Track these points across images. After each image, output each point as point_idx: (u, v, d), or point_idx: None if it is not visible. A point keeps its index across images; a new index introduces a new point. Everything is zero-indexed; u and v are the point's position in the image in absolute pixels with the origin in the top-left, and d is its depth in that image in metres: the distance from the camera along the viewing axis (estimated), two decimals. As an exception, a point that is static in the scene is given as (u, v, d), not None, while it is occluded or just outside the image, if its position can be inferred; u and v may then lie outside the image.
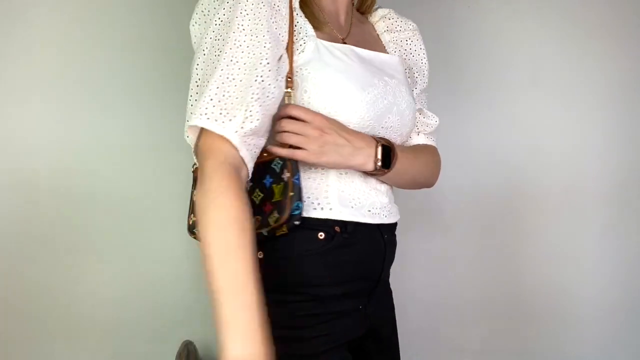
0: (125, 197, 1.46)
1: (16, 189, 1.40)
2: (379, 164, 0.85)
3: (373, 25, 1.05)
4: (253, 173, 0.78)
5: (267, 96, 0.75)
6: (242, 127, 0.72)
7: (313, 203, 0.82)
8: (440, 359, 1.56)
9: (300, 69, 0.81)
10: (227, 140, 0.72)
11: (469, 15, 1.52)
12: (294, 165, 0.79)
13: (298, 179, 0.78)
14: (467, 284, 1.55)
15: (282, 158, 0.79)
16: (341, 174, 0.85)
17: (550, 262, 1.51)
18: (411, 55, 1.05)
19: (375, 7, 1.07)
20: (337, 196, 0.83)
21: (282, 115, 0.79)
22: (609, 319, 1.49)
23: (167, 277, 1.51)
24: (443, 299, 1.56)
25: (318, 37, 0.84)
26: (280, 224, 0.77)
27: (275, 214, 0.77)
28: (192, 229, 0.83)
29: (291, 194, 0.77)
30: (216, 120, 0.72)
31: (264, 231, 0.78)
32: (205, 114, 0.72)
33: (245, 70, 0.74)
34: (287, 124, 0.79)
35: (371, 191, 0.88)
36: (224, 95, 0.72)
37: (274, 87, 0.76)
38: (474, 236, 1.54)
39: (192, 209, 0.83)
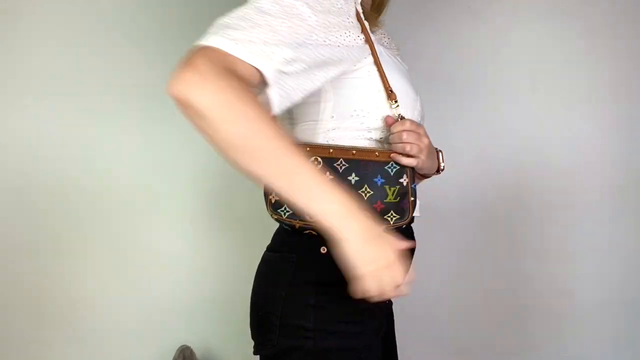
0: (124, 198, 1.46)
1: (15, 189, 1.40)
2: (442, 167, 0.98)
3: None
4: (359, 168, 0.83)
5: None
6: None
7: None
8: (440, 358, 1.56)
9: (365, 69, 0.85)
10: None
11: (469, 15, 1.53)
12: (412, 173, 0.85)
13: (415, 186, 0.84)
14: (467, 283, 1.55)
15: (398, 164, 0.84)
16: None
17: (551, 261, 1.52)
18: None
19: None
20: None
21: (400, 129, 0.83)
22: (609, 317, 1.49)
23: (165, 280, 1.50)
24: (443, 298, 1.57)
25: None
26: (399, 225, 0.82)
27: (394, 215, 0.82)
28: (276, 208, 0.82)
29: (412, 199, 0.83)
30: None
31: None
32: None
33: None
34: (408, 136, 0.83)
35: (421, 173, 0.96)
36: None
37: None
38: (473, 236, 1.55)
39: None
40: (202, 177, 1.50)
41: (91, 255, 1.43)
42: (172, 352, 1.46)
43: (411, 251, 0.96)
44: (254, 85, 0.72)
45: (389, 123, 0.84)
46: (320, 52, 0.75)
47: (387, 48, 0.95)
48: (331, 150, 0.83)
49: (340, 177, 0.82)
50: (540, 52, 1.51)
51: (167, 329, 1.49)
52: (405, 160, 0.83)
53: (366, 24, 0.86)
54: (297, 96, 0.76)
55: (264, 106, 0.69)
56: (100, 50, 1.42)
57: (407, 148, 0.83)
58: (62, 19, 1.40)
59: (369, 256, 0.69)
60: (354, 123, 0.84)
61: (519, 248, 1.53)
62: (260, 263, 0.91)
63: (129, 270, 1.46)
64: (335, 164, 0.83)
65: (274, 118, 0.69)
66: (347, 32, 0.79)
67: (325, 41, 0.76)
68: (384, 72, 0.84)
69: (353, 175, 0.83)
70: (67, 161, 1.41)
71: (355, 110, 0.84)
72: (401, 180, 0.83)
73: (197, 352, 1.48)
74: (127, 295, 1.46)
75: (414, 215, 0.95)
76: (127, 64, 1.44)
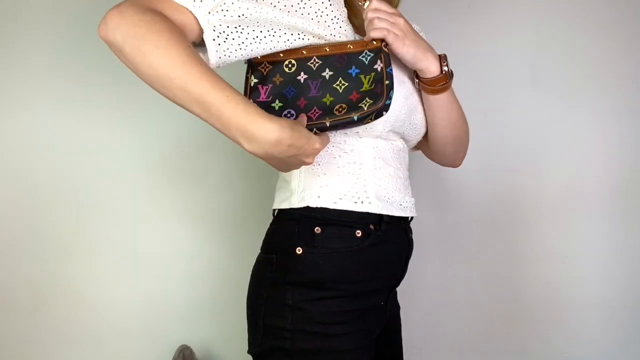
0: (124, 199, 1.46)
1: (15, 189, 1.40)
2: (445, 68, 0.88)
3: None
4: (333, 63, 0.82)
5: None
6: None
7: (353, 197, 0.85)
8: (440, 358, 1.55)
9: None
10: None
11: (469, 15, 1.53)
12: (387, 58, 0.82)
13: (391, 70, 0.81)
14: (467, 284, 1.55)
15: (372, 50, 0.82)
16: (376, 169, 0.88)
17: (550, 262, 1.51)
18: None
19: None
20: (374, 190, 0.86)
21: (367, 11, 0.83)
22: (609, 319, 1.48)
23: (165, 280, 1.50)
24: (443, 299, 1.56)
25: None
26: (373, 110, 0.79)
27: (368, 100, 0.80)
28: None
29: (387, 82, 0.80)
30: None
31: (355, 116, 0.79)
32: None
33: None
34: (374, 13, 0.83)
35: (401, 187, 0.91)
36: None
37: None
38: (473, 236, 1.54)
39: None
40: (202, 177, 1.50)
41: (91, 256, 1.44)
42: (172, 352, 1.46)
43: (408, 251, 0.96)
44: (193, 34, 0.74)
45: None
46: (266, 10, 0.77)
47: None
48: (304, 51, 0.83)
49: (314, 74, 0.82)
50: (540, 50, 1.50)
51: (167, 328, 1.49)
52: (374, 32, 0.82)
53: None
54: (240, 50, 0.77)
55: (180, 35, 0.69)
56: (101, 50, 1.41)
57: (375, 22, 0.82)
58: (63, 19, 1.40)
59: (274, 160, 0.72)
60: None
61: (518, 248, 1.52)
62: (254, 263, 0.92)
63: (128, 271, 1.46)
64: (309, 63, 0.83)
65: (189, 46, 0.69)
66: (324, 9, 0.81)
67: (277, 4, 0.78)
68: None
69: (327, 70, 0.82)
70: (66, 162, 1.42)
71: None
72: (375, 66, 0.81)
73: (197, 352, 1.48)
74: (127, 295, 1.46)
75: (413, 215, 0.95)
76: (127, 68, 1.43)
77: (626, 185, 1.47)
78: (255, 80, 0.84)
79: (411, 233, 0.96)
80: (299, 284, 0.82)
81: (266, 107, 0.82)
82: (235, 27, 0.76)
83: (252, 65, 0.85)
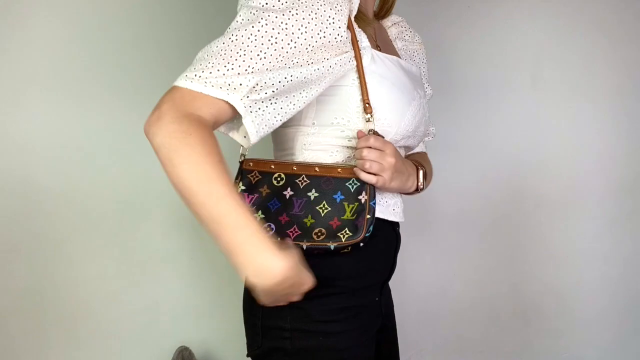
0: (123, 199, 1.46)
1: (14, 189, 1.40)
2: (421, 186, 0.94)
3: (386, 30, 1.08)
4: (320, 184, 0.83)
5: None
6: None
7: None
8: (440, 358, 1.55)
9: (355, 79, 0.83)
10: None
11: (469, 15, 1.53)
12: (372, 191, 0.83)
13: (374, 204, 0.83)
14: (468, 283, 1.55)
15: (359, 180, 0.83)
16: None
17: (551, 262, 1.51)
18: (419, 67, 1.09)
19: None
20: None
21: (363, 145, 0.82)
22: (609, 318, 1.49)
23: (164, 281, 1.50)
24: (443, 298, 1.56)
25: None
26: (351, 244, 0.80)
27: (347, 232, 0.81)
28: None
29: (368, 216, 0.81)
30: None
31: (332, 245, 0.80)
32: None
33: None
34: (369, 153, 0.82)
35: (394, 192, 0.93)
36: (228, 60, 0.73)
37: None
38: (474, 236, 1.54)
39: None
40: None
41: (90, 256, 1.43)
42: (171, 354, 1.46)
43: (396, 244, 0.97)
44: (227, 117, 0.75)
45: (359, 137, 0.84)
46: (296, 74, 0.75)
47: (386, 49, 0.94)
48: (294, 168, 0.84)
49: (300, 192, 0.83)
50: (541, 51, 1.50)
51: (166, 330, 1.49)
52: (365, 176, 0.82)
53: (358, 31, 0.84)
54: (277, 121, 0.77)
55: (212, 149, 0.70)
56: (99, 50, 1.42)
57: (367, 165, 0.82)
58: (61, 19, 1.40)
59: (267, 296, 0.72)
60: (333, 131, 0.85)
61: (518, 248, 1.52)
62: None
63: (127, 271, 1.46)
64: (297, 180, 0.84)
65: (218, 161, 0.69)
66: (336, 44, 0.78)
67: (304, 61, 0.76)
68: (366, 85, 0.83)
69: (313, 191, 0.83)
70: (65, 163, 1.41)
71: (336, 119, 0.85)
72: (360, 197, 0.83)
73: (196, 353, 1.47)
74: (126, 296, 1.46)
75: (402, 220, 0.96)
76: (126, 65, 1.43)
77: (626, 186, 1.47)
78: (243, 188, 0.85)
79: (398, 227, 0.98)
80: None
81: None
82: (270, 101, 0.75)
83: (242, 171, 0.86)
